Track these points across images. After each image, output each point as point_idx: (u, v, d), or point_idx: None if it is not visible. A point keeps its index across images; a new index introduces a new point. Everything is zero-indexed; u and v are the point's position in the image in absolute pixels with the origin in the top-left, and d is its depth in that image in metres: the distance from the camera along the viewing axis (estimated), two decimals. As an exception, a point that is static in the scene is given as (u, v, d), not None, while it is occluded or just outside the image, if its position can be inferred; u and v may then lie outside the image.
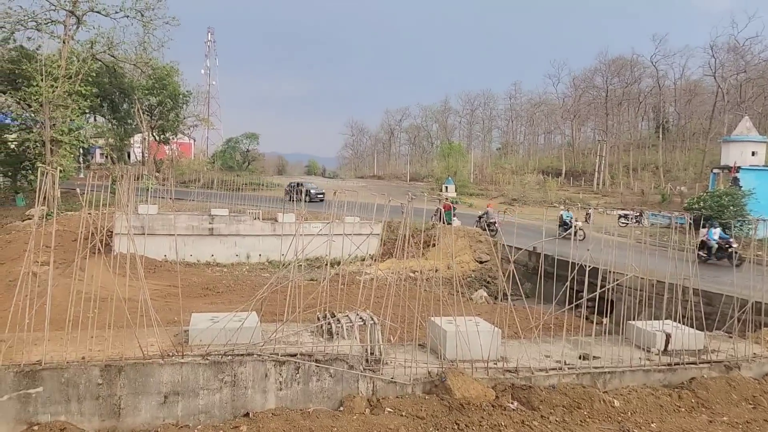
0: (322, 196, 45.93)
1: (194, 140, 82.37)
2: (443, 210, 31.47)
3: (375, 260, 22.60)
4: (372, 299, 9.85)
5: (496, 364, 9.81)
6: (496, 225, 28.52)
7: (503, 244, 16.23)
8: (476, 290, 21.96)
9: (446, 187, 56.86)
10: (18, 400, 7.72)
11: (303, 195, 25.37)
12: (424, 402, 8.91)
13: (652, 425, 8.79)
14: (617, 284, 11.95)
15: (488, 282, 23.76)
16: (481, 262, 25.29)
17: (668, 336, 10.85)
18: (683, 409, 9.39)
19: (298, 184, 46.91)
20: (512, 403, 9.10)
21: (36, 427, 7.67)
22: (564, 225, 30.32)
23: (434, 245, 23.45)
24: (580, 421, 8.81)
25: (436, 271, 17.64)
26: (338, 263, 18.12)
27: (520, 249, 16.01)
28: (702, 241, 22.74)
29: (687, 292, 11.78)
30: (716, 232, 22.92)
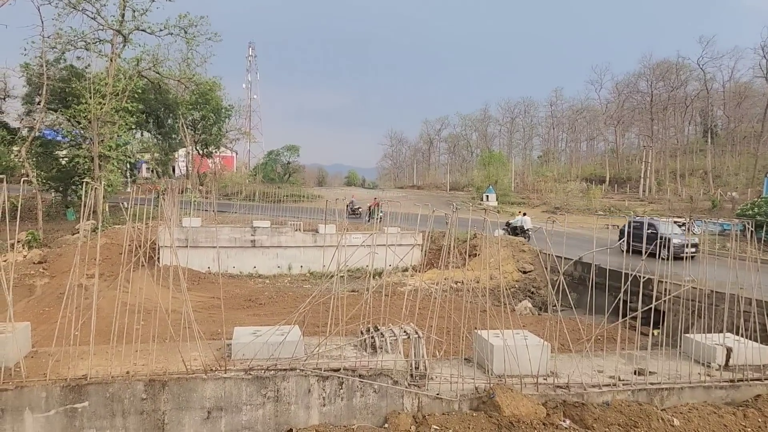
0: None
1: (236, 153, 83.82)
2: (371, 207, 36.91)
3: (417, 271, 22.33)
4: (416, 311, 9.61)
5: (545, 379, 9.43)
6: (529, 232, 29.15)
7: (549, 254, 15.77)
8: (520, 301, 21.46)
9: (487, 196, 56.19)
10: (65, 415, 7.75)
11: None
12: (472, 419, 8.60)
13: (716, 446, 8.27)
14: (674, 296, 11.40)
15: (532, 292, 23.20)
16: (524, 272, 24.75)
17: (729, 350, 10.27)
18: (749, 429, 8.81)
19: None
20: (564, 420, 8.71)
21: (82, 442, 7.69)
22: (514, 230, 31.55)
23: (477, 255, 23.05)
24: (638, 440, 8.36)
25: (478, 282, 17.28)
26: (380, 274, 17.93)
27: (570, 259, 15.51)
28: None
29: (747, 304, 11.14)
30: None
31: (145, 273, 12.38)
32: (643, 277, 9.65)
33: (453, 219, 9.62)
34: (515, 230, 31.89)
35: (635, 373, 9.84)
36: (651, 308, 10.20)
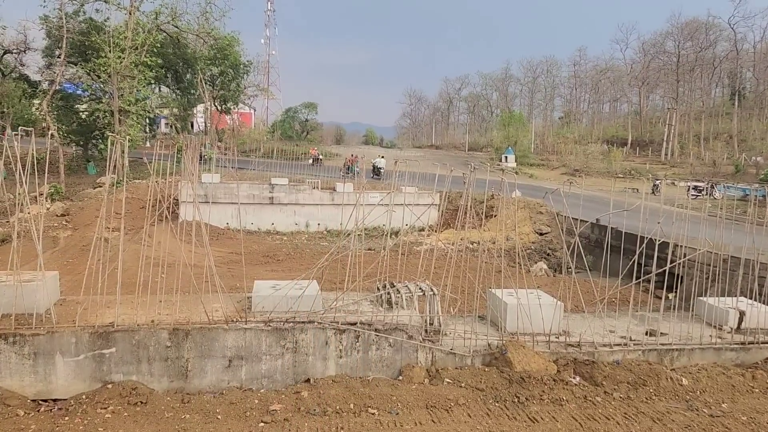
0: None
1: (254, 110, 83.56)
2: (349, 163, 40.69)
3: (434, 231, 22.48)
4: (432, 270, 9.77)
5: (557, 337, 9.62)
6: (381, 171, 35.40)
7: (566, 216, 15.78)
8: (536, 262, 21.57)
9: (506, 157, 55.78)
10: (93, 360, 8.11)
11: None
12: (484, 374, 8.84)
13: (723, 405, 8.43)
14: (688, 259, 11.42)
15: (548, 254, 23.28)
16: (541, 234, 24.78)
17: (742, 313, 10.34)
18: (757, 390, 8.96)
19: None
20: (574, 377, 8.92)
21: (110, 386, 8.06)
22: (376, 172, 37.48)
23: (494, 216, 23.10)
24: (646, 398, 8.55)
25: (494, 242, 17.38)
26: (396, 233, 18.09)
27: (585, 221, 15.50)
28: None
29: (764, 269, 11.16)
30: None
31: (167, 227, 12.64)
32: (659, 241, 9.68)
33: (470, 179, 9.67)
34: (376, 171, 40.00)
35: (647, 334, 9.98)
36: (665, 271, 10.26)
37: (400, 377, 8.85)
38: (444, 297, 9.74)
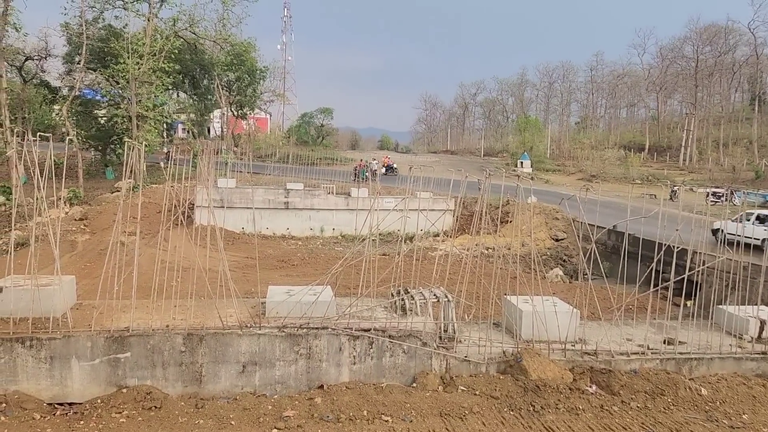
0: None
1: (270, 115, 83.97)
2: (359, 168, 40.79)
3: (449, 236, 22.39)
4: (446, 276, 9.71)
5: (573, 345, 9.51)
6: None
7: (582, 222, 15.64)
8: (551, 269, 21.38)
9: (521, 163, 55.43)
10: (108, 364, 8.16)
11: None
12: (499, 382, 8.75)
13: (744, 417, 8.27)
14: (708, 267, 11.24)
15: (564, 260, 23.08)
16: (557, 240, 24.57)
17: (763, 322, 10.16)
18: (779, 402, 8.77)
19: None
20: (590, 386, 8.80)
21: (125, 390, 8.10)
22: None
23: (509, 222, 22.96)
24: (664, 408, 8.41)
25: (509, 248, 17.26)
26: (411, 239, 18.02)
27: (603, 228, 15.33)
28: None
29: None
30: None
31: (183, 232, 12.72)
32: (677, 248, 9.53)
33: (485, 185, 9.61)
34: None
35: (665, 343, 9.83)
36: (684, 279, 10.11)
37: (414, 384, 8.80)
38: (459, 303, 9.68)
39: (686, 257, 11.62)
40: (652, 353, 9.46)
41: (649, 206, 11.68)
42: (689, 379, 9.04)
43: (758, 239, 17.73)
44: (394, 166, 45.64)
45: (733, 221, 18.19)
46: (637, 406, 8.39)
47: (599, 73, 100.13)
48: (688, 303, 12.56)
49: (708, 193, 36.72)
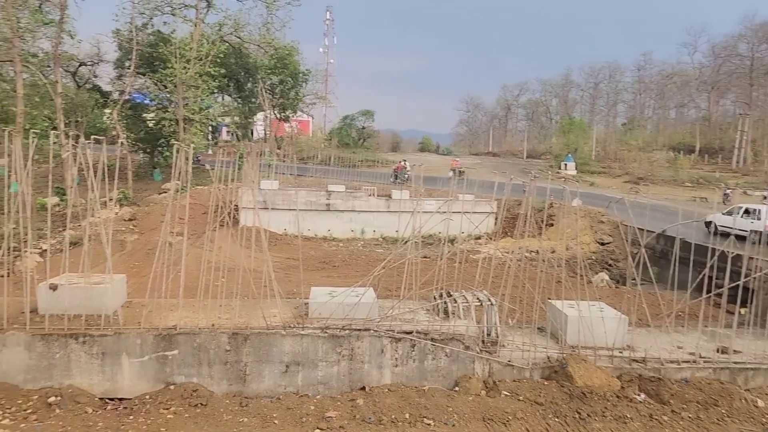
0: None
1: (312, 118, 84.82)
2: (397, 170, 41.25)
3: (491, 239, 22.15)
4: (490, 279, 9.60)
5: (621, 352, 9.27)
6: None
7: (630, 226, 15.24)
8: (597, 273, 20.90)
9: (565, 165, 54.51)
10: (156, 361, 8.35)
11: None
12: (543, 388, 8.60)
13: (804, 431, 7.90)
14: (765, 273, 10.80)
15: (610, 265, 22.52)
16: (602, 244, 24.01)
17: (825, 333, 9.69)
18: (843, 416, 8.35)
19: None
20: (639, 395, 8.56)
21: (172, 387, 8.27)
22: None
23: (553, 225, 22.55)
24: (717, 419, 8.11)
25: (553, 252, 16.94)
26: (452, 241, 17.90)
27: (652, 232, 14.89)
28: None
29: None
30: None
31: (228, 233, 12.97)
32: (732, 253, 9.19)
33: (531, 187, 9.46)
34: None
35: (718, 351, 9.49)
36: (739, 285, 9.73)
37: (457, 388, 8.72)
38: (502, 307, 9.55)
39: (740, 263, 11.19)
40: (704, 362, 9.15)
41: (700, 210, 11.29)
42: (745, 390, 8.69)
43: (745, 231, 18.77)
44: (407, 169, 44.88)
45: (724, 214, 21.41)
46: (689, 417, 8.11)
47: (647, 73, 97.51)
48: (743, 311, 12.07)
49: (764, 196, 35.30)
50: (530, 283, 10.55)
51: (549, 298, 10.39)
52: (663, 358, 9.12)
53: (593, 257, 22.92)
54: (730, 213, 21.15)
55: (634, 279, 10.06)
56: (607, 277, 20.56)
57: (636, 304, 10.42)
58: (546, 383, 8.73)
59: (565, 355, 8.94)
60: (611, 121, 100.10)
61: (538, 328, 10.12)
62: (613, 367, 8.97)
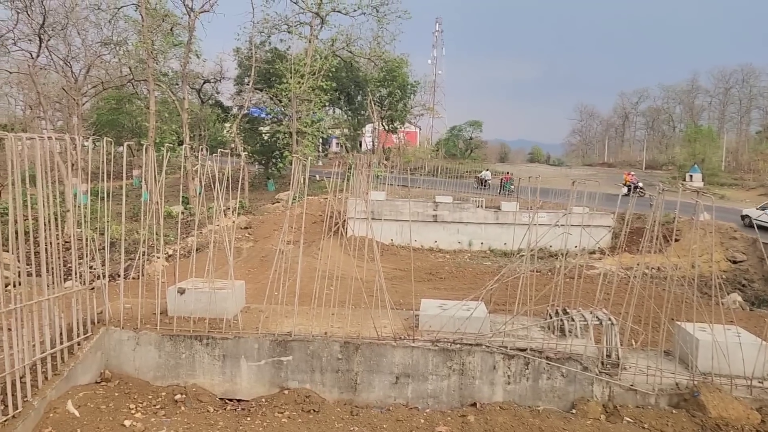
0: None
1: (419, 128, 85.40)
2: (504, 181, 41.65)
3: (606, 254, 21.06)
4: (611, 297, 9.05)
5: (761, 383, 8.38)
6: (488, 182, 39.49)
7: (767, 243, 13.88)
8: (728, 294, 19.23)
9: (691, 176, 50.85)
10: (273, 366, 8.62)
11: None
12: (671, 417, 7.95)
13: None
14: None
15: (743, 285, 20.67)
16: (734, 262, 22.08)
17: None
18: None
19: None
20: (783, 431, 7.68)
21: (286, 392, 8.49)
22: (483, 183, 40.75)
23: (677, 241, 21.06)
24: None
25: (677, 269, 15.77)
26: (564, 255, 17.15)
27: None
28: None
29: None
30: None
31: (340, 242, 13.28)
32: None
33: (659, 201, 8.84)
34: (482, 182, 42.42)
35: None
36: None
37: (573, 411, 8.27)
38: (623, 328, 8.97)
39: None
40: None
41: None
42: None
43: None
44: (487, 179, 45.72)
45: (758, 209, 24.80)
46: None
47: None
48: None
49: None
50: (655, 302, 9.84)
51: (673, 319, 9.65)
52: (812, 392, 8.14)
53: (724, 276, 21.15)
54: (763, 208, 24.83)
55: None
56: (740, 299, 18.87)
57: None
58: (674, 412, 8.06)
59: (696, 382, 8.22)
60: (744, 129, 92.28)
61: (665, 352, 9.40)
62: (752, 399, 8.13)
